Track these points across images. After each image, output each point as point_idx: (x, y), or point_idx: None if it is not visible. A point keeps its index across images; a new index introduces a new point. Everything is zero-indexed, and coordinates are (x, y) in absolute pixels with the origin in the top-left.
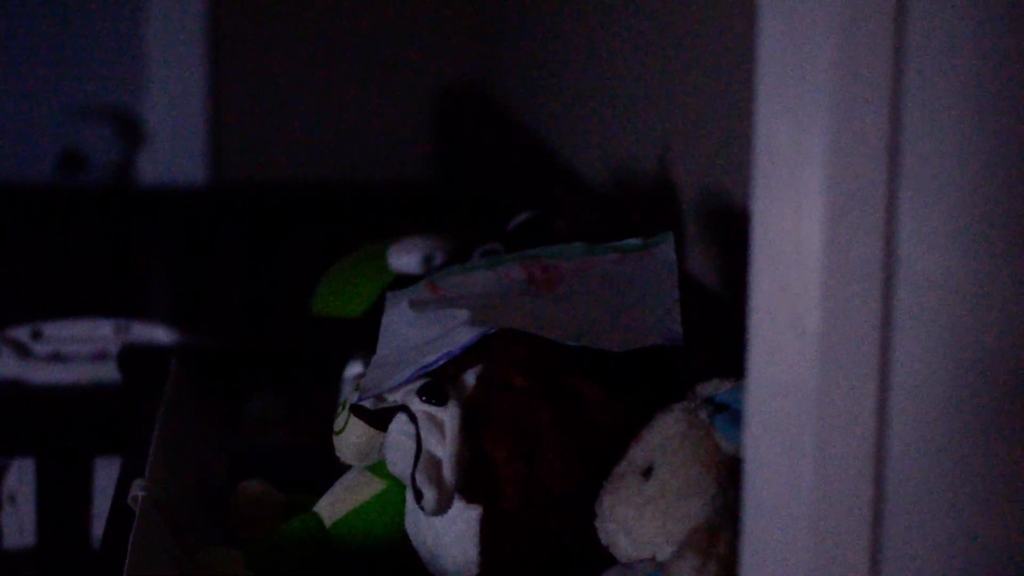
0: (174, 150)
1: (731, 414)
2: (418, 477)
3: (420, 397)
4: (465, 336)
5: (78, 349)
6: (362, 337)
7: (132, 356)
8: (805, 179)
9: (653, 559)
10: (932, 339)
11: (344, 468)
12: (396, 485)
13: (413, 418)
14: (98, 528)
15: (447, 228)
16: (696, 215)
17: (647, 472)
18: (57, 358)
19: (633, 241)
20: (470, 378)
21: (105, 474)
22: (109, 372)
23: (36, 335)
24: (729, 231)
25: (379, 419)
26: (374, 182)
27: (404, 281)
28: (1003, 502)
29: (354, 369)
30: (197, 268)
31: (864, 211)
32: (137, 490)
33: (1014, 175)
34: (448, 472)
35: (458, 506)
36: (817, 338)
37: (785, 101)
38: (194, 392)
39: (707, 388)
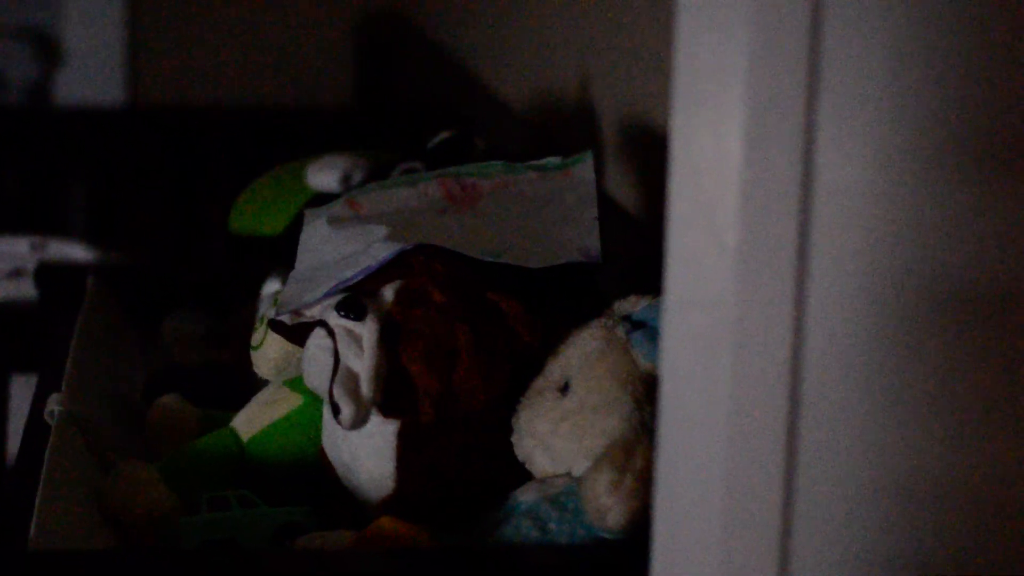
0: (91, 71)
1: (648, 331)
2: (335, 391)
3: (338, 312)
4: (383, 252)
5: None
6: (280, 255)
7: (49, 273)
8: (725, 94)
9: (569, 474)
10: (849, 253)
11: (261, 384)
12: (313, 400)
13: (331, 333)
14: (14, 445)
15: (366, 148)
16: (615, 136)
17: (564, 388)
18: None
19: (552, 160)
20: (388, 293)
21: (21, 391)
22: (25, 289)
23: None
24: (647, 152)
25: (296, 334)
26: (294, 105)
27: (322, 199)
28: (915, 414)
29: (272, 286)
30: (115, 187)
31: (783, 126)
32: (53, 405)
33: (932, 89)
34: (365, 387)
35: (375, 421)
36: (735, 252)
37: (705, 16)
38: (111, 309)
39: (624, 305)
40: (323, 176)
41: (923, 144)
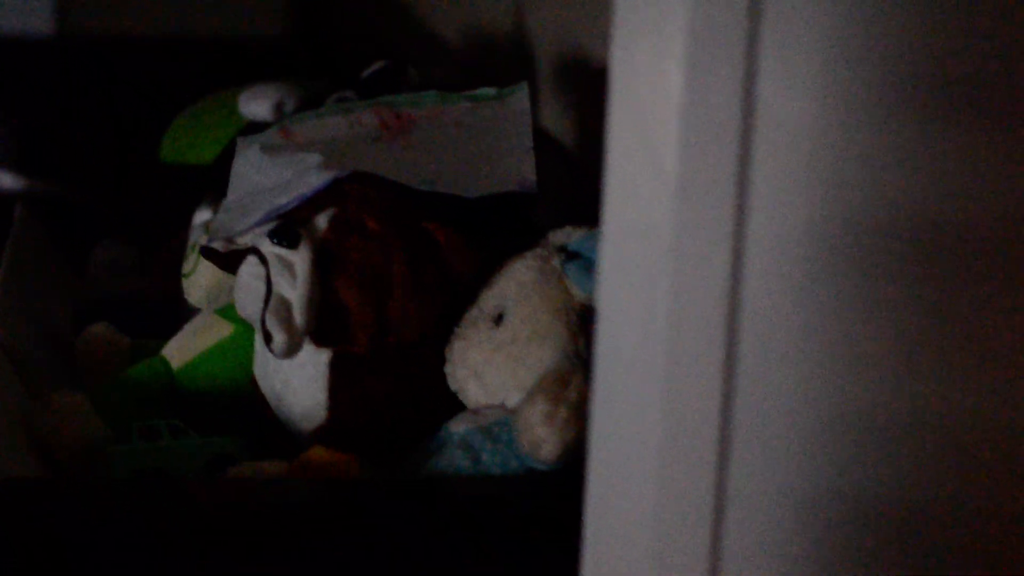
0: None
1: (583, 262)
2: (268, 320)
3: (271, 239)
4: (317, 179)
5: None
6: (212, 183)
7: None
8: (666, 21)
9: (502, 405)
10: (790, 184)
11: (192, 312)
12: (245, 329)
13: (264, 260)
14: None
15: (299, 78)
16: (551, 68)
17: (498, 318)
18: None
19: (487, 90)
20: (322, 221)
21: None
22: None
23: None
24: (583, 83)
25: (229, 262)
26: (226, 35)
27: (255, 128)
28: (855, 347)
29: (203, 215)
30: (44, 116)
31: (724, 54)
32: None
33: (878, 20)
34: (298, 315)
35: (308, 350)
36: (674, 179)
37: None
38: (40, 238)
39: (560, 236)
40: (255, 105)
41: (868, 76)
